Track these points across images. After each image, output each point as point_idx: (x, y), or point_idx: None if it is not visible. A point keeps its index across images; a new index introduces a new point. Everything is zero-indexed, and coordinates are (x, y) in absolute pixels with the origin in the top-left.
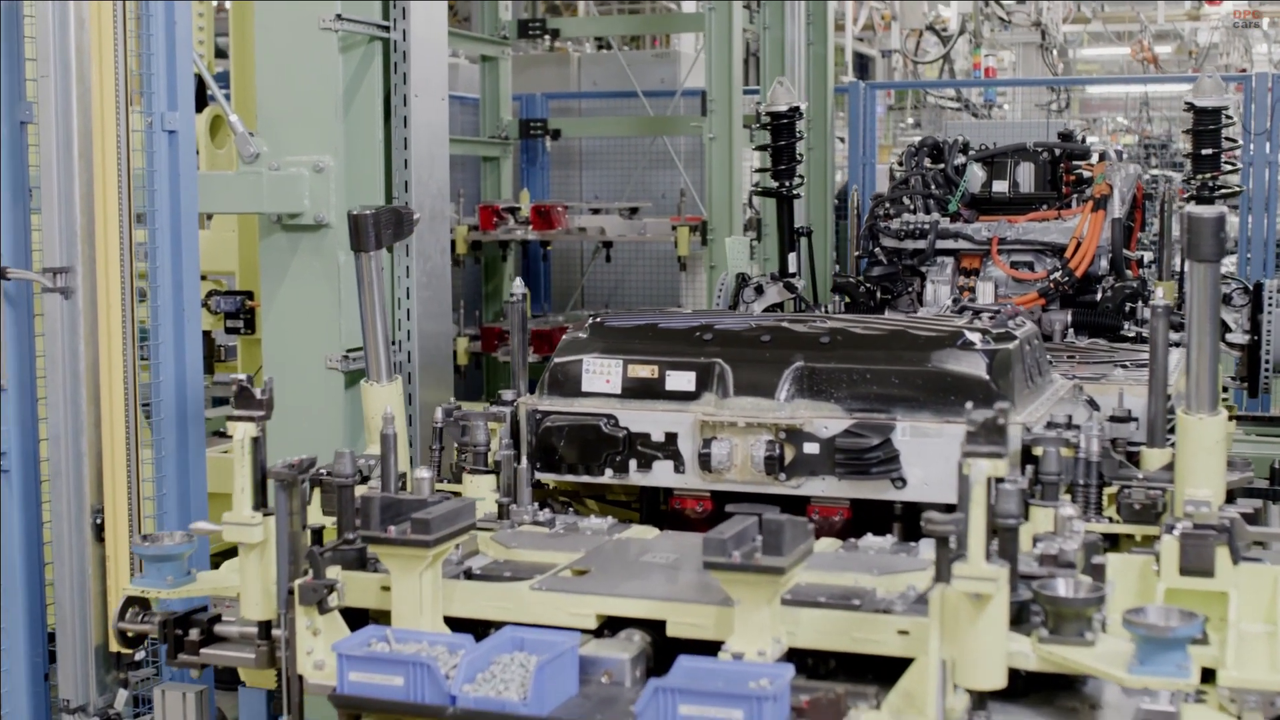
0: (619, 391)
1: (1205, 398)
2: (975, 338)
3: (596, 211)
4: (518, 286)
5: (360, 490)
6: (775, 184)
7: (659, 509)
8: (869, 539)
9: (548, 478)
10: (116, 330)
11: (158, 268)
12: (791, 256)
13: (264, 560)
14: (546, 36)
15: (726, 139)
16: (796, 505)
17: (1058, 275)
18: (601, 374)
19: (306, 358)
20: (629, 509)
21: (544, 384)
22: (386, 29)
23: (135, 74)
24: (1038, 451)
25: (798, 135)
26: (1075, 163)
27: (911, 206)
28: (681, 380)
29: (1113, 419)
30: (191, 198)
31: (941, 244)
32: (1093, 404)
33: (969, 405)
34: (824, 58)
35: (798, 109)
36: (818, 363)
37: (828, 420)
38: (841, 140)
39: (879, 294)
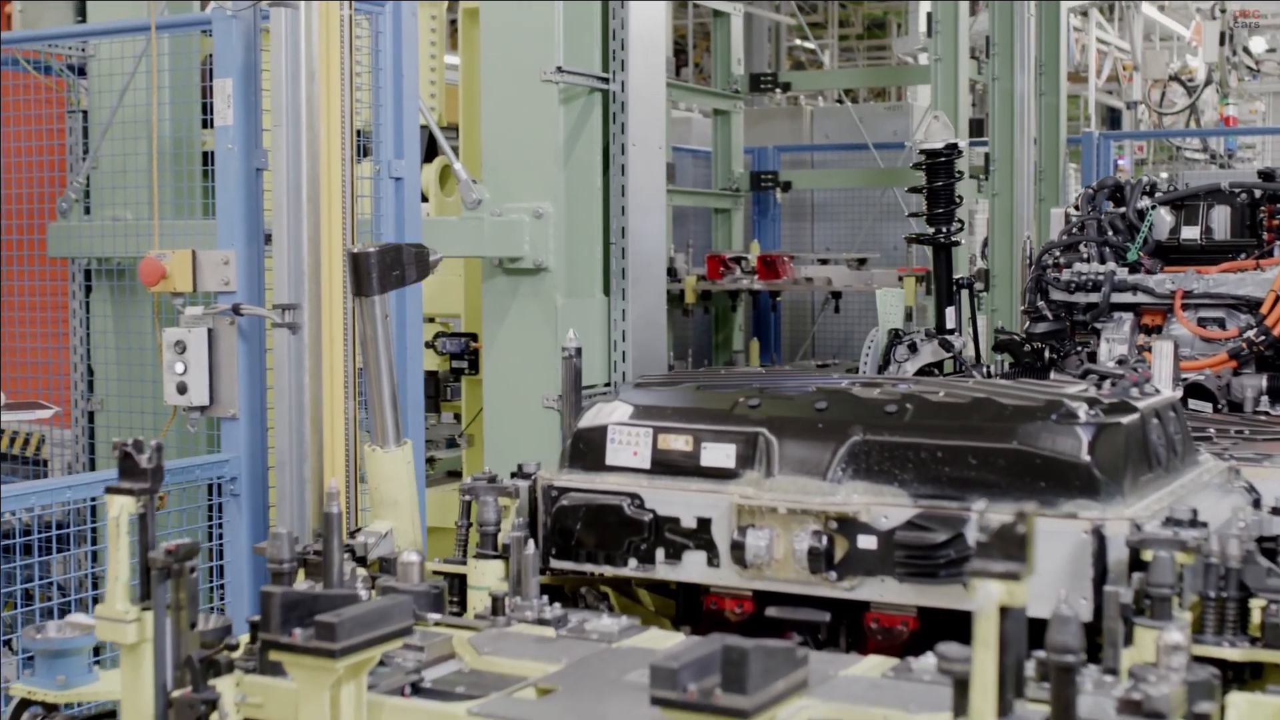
0: (648, 466)
1: None
2: (1078, 409)
3: (824, 262)
4: (571, 340)
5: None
6: (931, 230)
7: (698, 606)
8: (930, 658)
9: (564, 566)
10: (339, 365)
11: None
12: (950, 311)
13: (142, 665)
14: (778, 90)
15: None
16: (854, 611)
17: (1251, 334)
18: (629, 445)
19: (525, 397)
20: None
21: (565, 455)
22: (606, 80)
23: (367, 125)
24: (1147, 556)
25: (956, 175)
26: (1279, 206)
27: (1086, 255)
28: (719, 454)
29: (1275, 511)
30: (416, 241)
31: (1118, 298)
32: (1252, 491)
33: (1064, 495)
34: (1056, 108)
35: (955, 146)
36: (880, 435)
37: (888, 508)
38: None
39: (1046, 353)
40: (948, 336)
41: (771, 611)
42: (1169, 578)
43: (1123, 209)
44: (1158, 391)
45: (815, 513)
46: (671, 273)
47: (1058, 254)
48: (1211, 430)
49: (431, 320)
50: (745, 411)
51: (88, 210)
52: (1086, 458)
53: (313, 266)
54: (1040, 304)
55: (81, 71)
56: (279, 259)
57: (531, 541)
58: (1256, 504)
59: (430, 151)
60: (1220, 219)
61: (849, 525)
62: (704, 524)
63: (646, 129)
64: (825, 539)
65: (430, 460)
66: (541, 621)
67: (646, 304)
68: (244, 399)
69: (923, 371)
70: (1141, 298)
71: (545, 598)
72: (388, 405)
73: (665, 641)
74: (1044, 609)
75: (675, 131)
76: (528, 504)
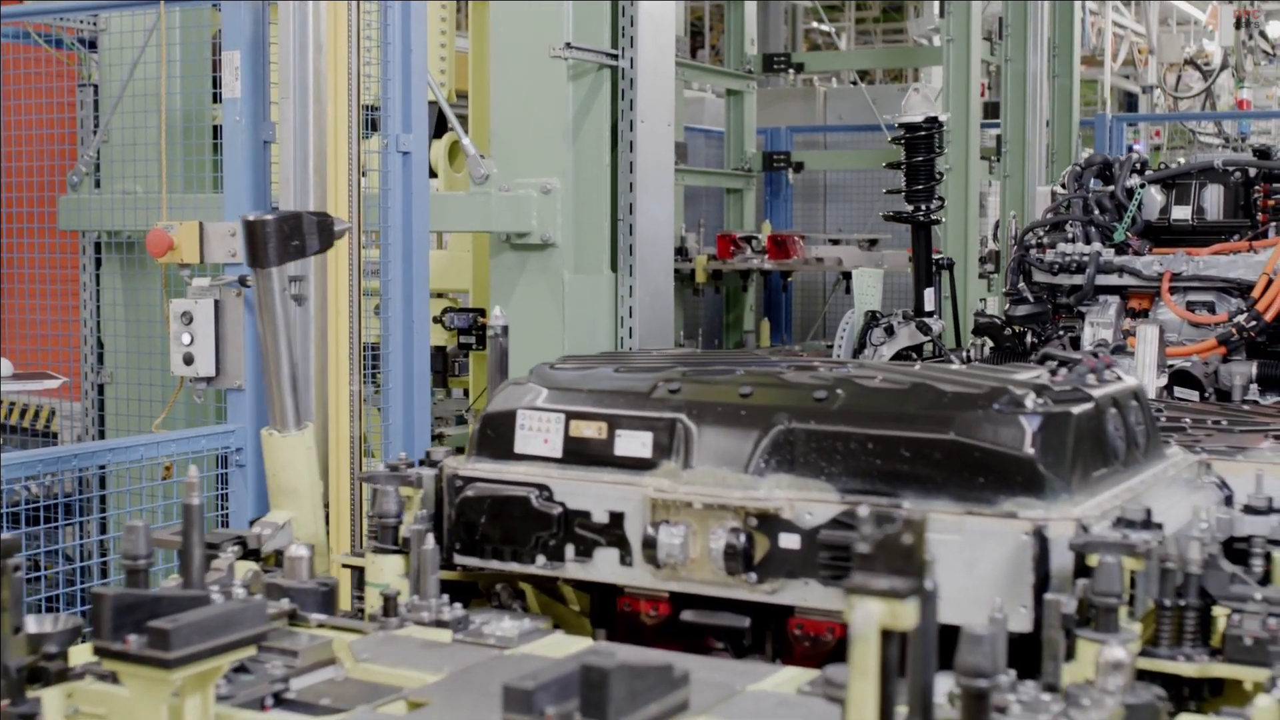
0: (559, 455)
1: None
2: (1024, 398)
3: (835, 242)
4: (498, 317)
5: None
6: (910, 207)
7: (614, 608)
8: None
9: (468, 562)
10: (344, 337)
11: (389, 281)
12: (928, 293)
13: None
14: (791, 71)
15: (963, 170)
16: (778, 615)
17: (1242, 319)
18: (539, 431)
19: None
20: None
21: (472, 441)
22: (615, 57)
23: (376, 100)
24: (1093, 561)
25: (937, 150)
26: (1276, 185)
27: (1071, 236)
28: (634, 443)
29: (1248, 510)
30: (423, 215)
31: (1104, 280)
32: (1224, 487)
33: (1005, 492)
34: (1069, 90)
35: (936, 120)
36: (806, 424)
37: (813, 504)
38: None
39: (1028, 337)
40: (926, 319)
41: (687, 616)
42: (1115, 585)
43: (1111, 187)
44: (1119, 379)
45: (734, 508)
46: (682, 252)
47: (1041, 234)
48: (1187, 420)
49: (440, 295)
50: (664, 396)
51: (98, 184)
52: (1030, 451)
53: None
54: (1021, 286)
55: (92, 45)
56: None
57: (431, 536)
58: (1228, 501)
59: (440, 129)
60: (1213, 199)
61: (770, 522)
62: (616, 519)
63: (655, 106)
64: (744, 537)
65: (438, 437)
66: (440, 623)
67: (654, 281)
68: (250, 370)
69: (900, 355)
70: (1128, 280)
71: (446, 597)
72: (286, 386)
73: (570, 647)
74: (979, 618)
75: (688, 111)
76: (434, 494)
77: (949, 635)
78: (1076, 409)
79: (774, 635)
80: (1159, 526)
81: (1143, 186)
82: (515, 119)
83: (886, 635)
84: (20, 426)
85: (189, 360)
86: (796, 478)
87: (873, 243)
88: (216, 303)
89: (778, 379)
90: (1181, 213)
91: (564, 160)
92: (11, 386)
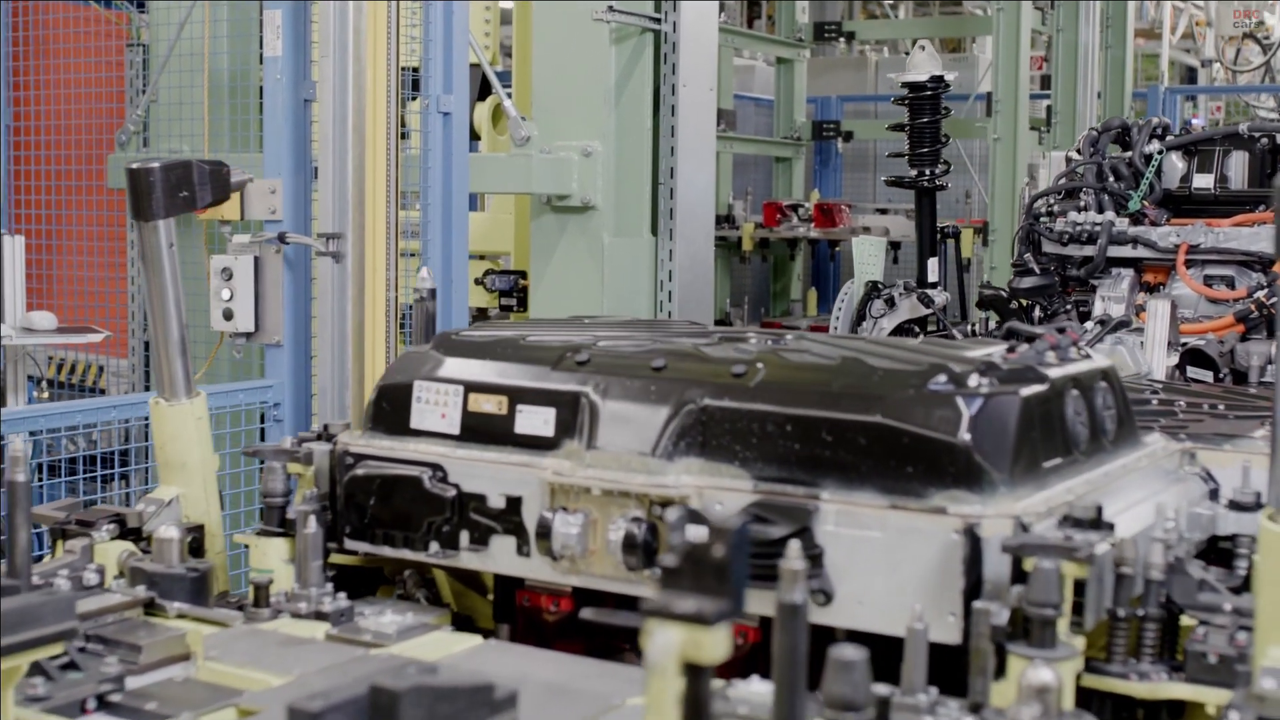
0: (457, 432)
1: None
2: (966, 376)
3: (883, 211)
4: (424, 279)
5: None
6: (913, 172)
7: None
8: (756, 683)
9: (360, 548)
10: (381, 294)
11: (429, 240)
12: (932, 263)
13: None
14: (842, 39)
15: (1011, 141)
16: None
17: (1262, 295)
18: (436, 405)
19: None
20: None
21: (367, 415)
22: (658, 21)
23: (419, 62)
24: (1029, 565)
25: (942, 112)
26: None
27: (1083, 204)
28: (536, 420)
29: (1233, 505)
30: (463, 176)
31: (1117, 251)
32: (1210, 480)
33: (936, 484)
34: (1122, 61)
35: (941, 79)
36: (721, 401)
37: (722, 493)
38: None
39: (1036, 310)
40: (928, 291)
41: (585, 614)
42: (1052, 594)
43: (1129, 154)
44: (1087, 357)
45: (635, 495)
46: (730, 220)
47: (1052, 202)
48: (1181, 404)
49: (481, 258)
50: (571, 368)
51: (146, 142)
52: (965, 437)
53: (357, 197)
54: (1027, 256)
55: (141, 5)
56: (324, 189)
57: (314, 518)
58: (1214, 495)
59: (484, 93)
60: (1237, 166)
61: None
62: (514, 504)
63: (698, 71)
64: (646, 528)
65: None
66: (319, 615)
67: (694, 246)
68: (289, 326)
69: (900, 329)
70: (1142, 252)
71: (329, 586)
72: (175, 351)
73: (451, 647)
74: (898, 627)
75: (738, 79)
76: (327, 472)
77: (879, 644)
78: (1026, 390)
79: None
80: (1109, 527)
81: (1163, 153)
82: (557, 82)
83: (693, 669)
84: (69, 383)
85: (228, 316)
86: (708, 462)
87: None
88: (256, 259)
89: (696, 352)
90: (1203, 181)
91: (605, 123)
92: (55, 339)
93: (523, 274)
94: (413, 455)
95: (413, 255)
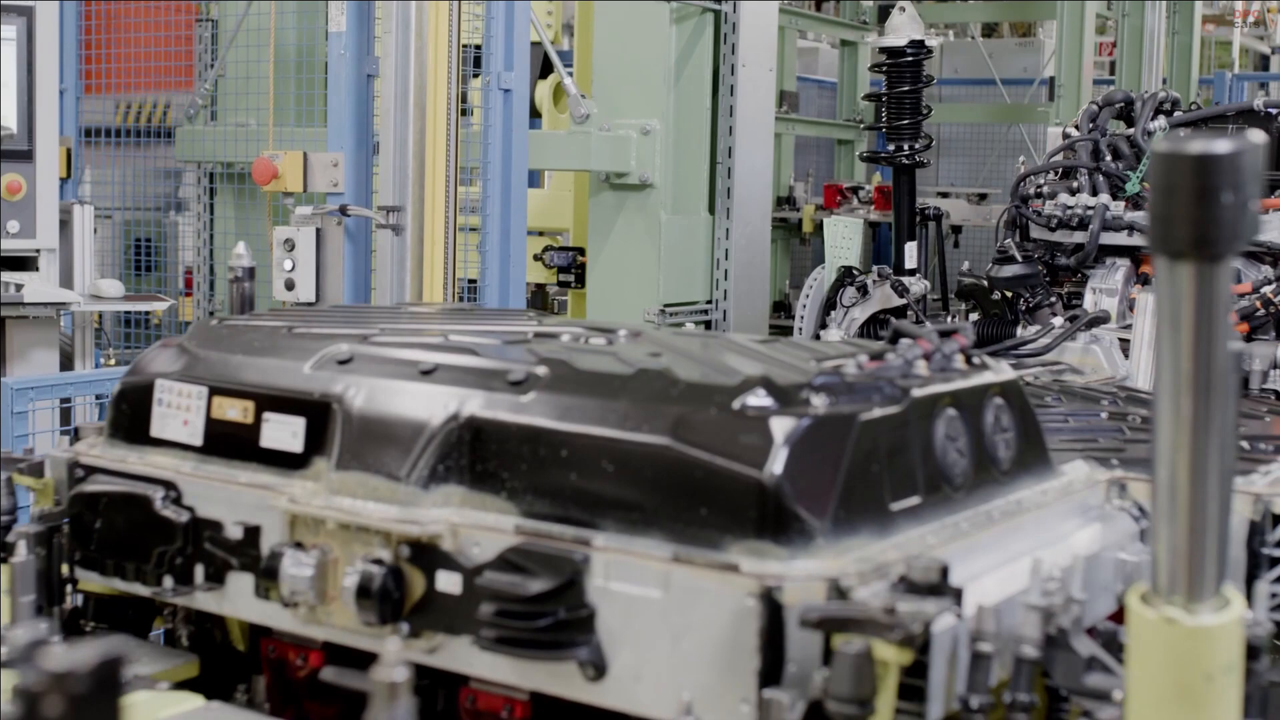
0: (199, 442)
1: (1203, 571)
2: (791, 393)
3: (944, 195)
4: (240, 256)
5: None
6: (891, 146)
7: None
8: None
9: (89, 580)
10: (439, 267)
11: (488, 215)
12: (910, 247)
13: None
14: None
15: None
16: (449, 684)
17: (1269, 290)
18: (179, 410)
19: (628, 311)
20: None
21: (109, 419)
22: (719, 1)
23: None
24: (836, 644)
25: (924, 81)
26: None
27: (1077, 186)
28: (283, 432)
29: None
30: (522, 152)
31: (1110, 238)
32: (1144, 517)
33: (734, 531)
34: (1189, 47)
35: (923, 44)
36: (492, 416)
37: (481, 532)
38: None
39: (1020, 301)
40: (904, 279)
41: (326, 675)
42: (854, 686)
43: (1131, 130)
44: (984, 366)
45: (377, 531)
46: (790, 201)
47: (1041, 183)
48: (1136, 418)
49: (540, 234)
50: (329, 371)
51: (214, 116)
52: (774, 471)
53: (417, 171)
54: (1008, 242)
55: None
56: (385, 162)
57: (24, 543)
58: (1145, 536)
59: (545, 71)
60: None
61: (426, 555)
62: (251, 534)
63: (757, 51)
64: (387, 573)
65: None
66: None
67: (751, 225)
68: (348, 297)
69: (873, 319)
70: (1139, 239)
71: (43, 625)
72: None
73: (158, 712)
74: (669, 712)
75: (801, 61)
76: (66, 487)
77: None
78: (866, 413)
79: (447, 705)
80: (958, 591)
81: (1166, 129)
82: (618, 60)
83: None
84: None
85: (290, 286)
86: (471, 492)
87: (982, 197)
88: (318, 230)
89: (476, 352)
90: None
91: (664, 102)
92: (121, 306)
93: (581, 250)
94: (145, 470)
95: (473, 230)
